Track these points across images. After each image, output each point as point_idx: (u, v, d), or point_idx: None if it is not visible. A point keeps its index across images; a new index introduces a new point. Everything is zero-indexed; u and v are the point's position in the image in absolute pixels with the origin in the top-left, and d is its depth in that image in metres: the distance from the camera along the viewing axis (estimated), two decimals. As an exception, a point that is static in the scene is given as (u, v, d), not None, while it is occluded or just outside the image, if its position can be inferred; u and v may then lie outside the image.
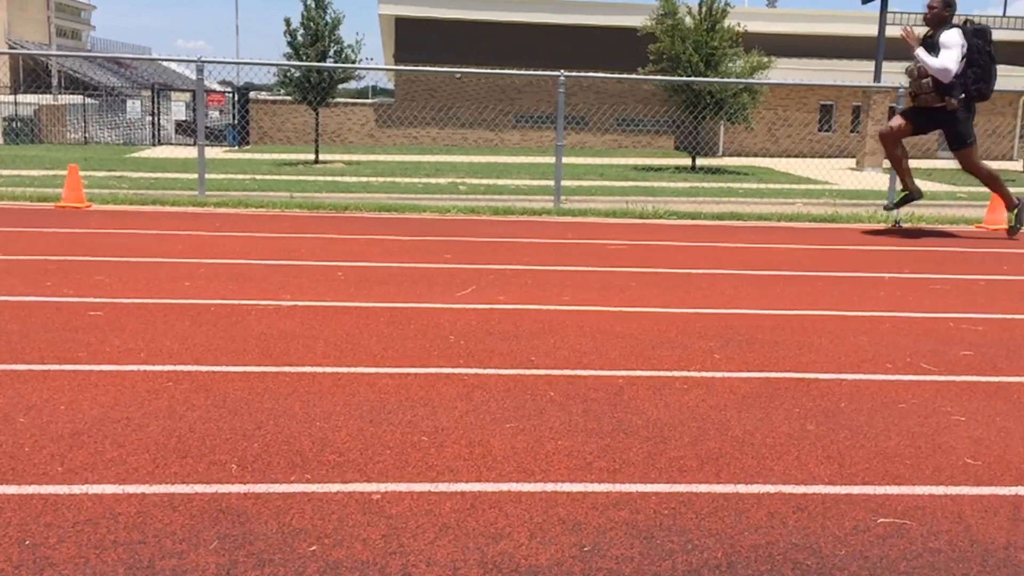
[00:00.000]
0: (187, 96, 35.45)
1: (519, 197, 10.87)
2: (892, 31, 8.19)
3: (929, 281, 5.79)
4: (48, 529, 2.12)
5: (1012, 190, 8.41)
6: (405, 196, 10.70)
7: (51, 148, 24.46)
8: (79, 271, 5.29)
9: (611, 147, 33.46)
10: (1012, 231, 8.11)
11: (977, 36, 7.68)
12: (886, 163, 8.64)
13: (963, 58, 7.61)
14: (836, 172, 18.04)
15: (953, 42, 7.56)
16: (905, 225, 8.92)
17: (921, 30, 7.91)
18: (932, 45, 7.74)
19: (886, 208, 8.79)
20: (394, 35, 33.75)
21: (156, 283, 4.97)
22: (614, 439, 2.80)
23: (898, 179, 8.40)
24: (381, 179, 14.07)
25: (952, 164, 9.59)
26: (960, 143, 7.95)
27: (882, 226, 8.84)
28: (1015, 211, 8.09)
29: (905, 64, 8.26)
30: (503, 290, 5.07)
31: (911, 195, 8.23)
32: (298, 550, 2.06)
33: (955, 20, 7.79)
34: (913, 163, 8.38)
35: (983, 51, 7.67)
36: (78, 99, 34.12)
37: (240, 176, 14.18)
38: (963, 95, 7.73)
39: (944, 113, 7.80)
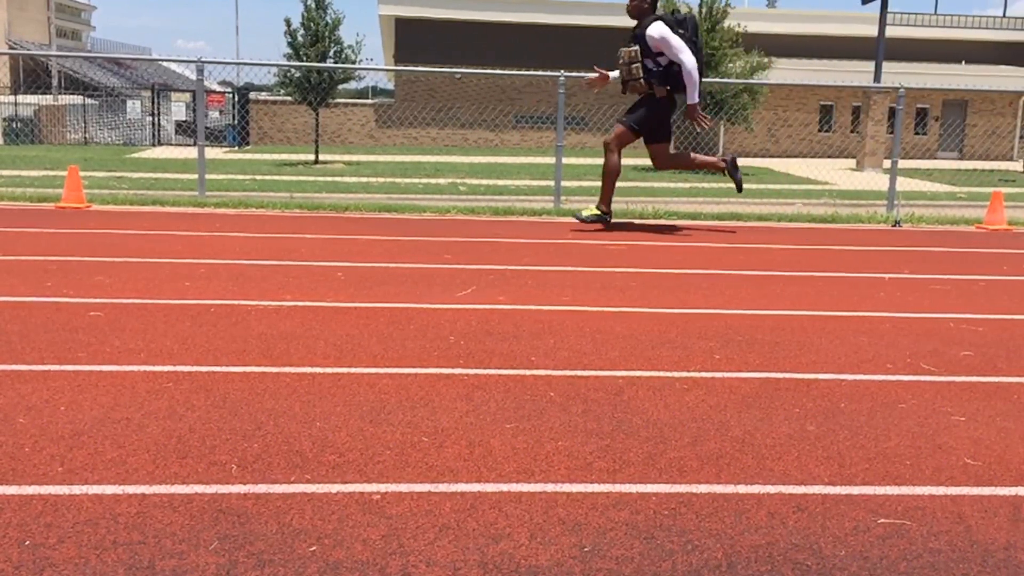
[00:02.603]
0: (187, 96, 35.47)
1: (519, 197, 10.87)
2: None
3: (929, 281, 5.79)
4: (48, 529, 2.12)
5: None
6: (405, 196, 10.70)
7: (51, 148, 24.48)
8: (79, 271, 5.29)
9: (611, 147, 33.40)
10: (732, 172, 8.01)
11: (680, 27, 7.60)
12: (886, 163, 8.63)
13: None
14: (836, 172, 18.06)
15: (668, 33, 7.50)
16: (905, 225, 8.93)
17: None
18: (637, 38, 7.67)
19: (576, 217, 8.08)
20: (394, 35, 33.77)
21: (156, 283, 4.97)
22: (614, 439, 2.80)
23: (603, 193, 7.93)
24: (381, 179, 14.08)
25: (952, 164, 9.58)
26: (658, 136, 7.85)
27: (882, 226, 8.84)
28: (726, 169, 7.96)
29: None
30: (503, 290, 5.07)
31: (604, 216, 7.94)
32: (298, 550, 2.06)
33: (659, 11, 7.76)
34: (913, 163, 8.38)
35: (688, 41, 7.57)
36: (78, 99, 34.15)
37: (240, 176, 14.20)
38: (668, 87, 7.68)
39: (652, 102, 7.72)
